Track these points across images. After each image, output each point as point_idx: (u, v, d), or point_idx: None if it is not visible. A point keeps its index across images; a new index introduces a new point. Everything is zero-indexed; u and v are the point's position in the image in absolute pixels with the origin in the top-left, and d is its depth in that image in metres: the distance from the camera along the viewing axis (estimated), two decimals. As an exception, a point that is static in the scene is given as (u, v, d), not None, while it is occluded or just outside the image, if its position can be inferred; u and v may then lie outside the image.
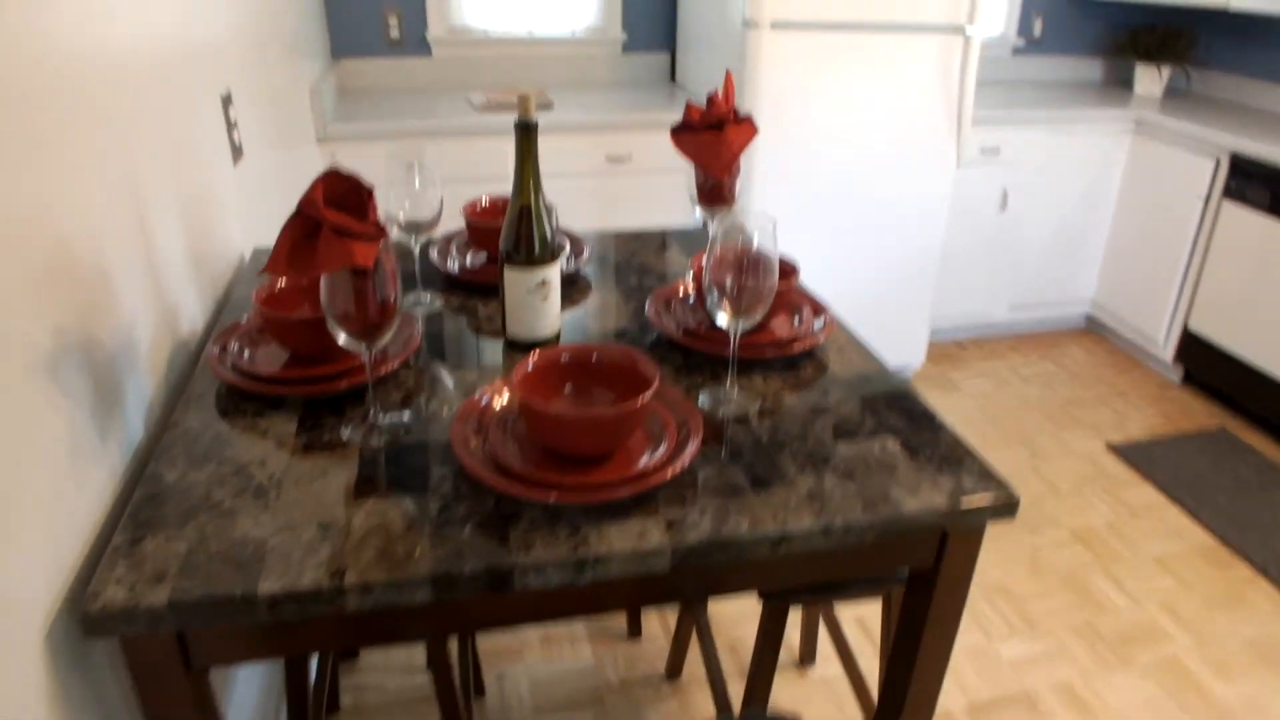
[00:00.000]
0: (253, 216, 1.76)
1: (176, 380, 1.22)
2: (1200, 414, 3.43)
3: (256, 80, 1.94)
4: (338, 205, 0.86)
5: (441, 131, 2.86)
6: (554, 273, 1.19)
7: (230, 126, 1.61)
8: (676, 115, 3.04)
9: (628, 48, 3.57)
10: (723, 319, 1.06)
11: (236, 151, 1.65)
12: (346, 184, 0.87)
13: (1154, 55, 4.00)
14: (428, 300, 1.40)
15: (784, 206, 3.05)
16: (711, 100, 1.39)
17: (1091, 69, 4.31)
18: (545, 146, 2.96)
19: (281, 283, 1.21)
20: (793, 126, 2.94)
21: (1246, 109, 3.88)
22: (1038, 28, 4.13)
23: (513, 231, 1.16)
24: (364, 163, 2.82)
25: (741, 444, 1.02)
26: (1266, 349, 3.22)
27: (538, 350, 1.02)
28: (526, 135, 1.14)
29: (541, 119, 2.93)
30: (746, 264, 1.02)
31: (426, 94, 3.28)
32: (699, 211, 1.46)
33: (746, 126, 1.40)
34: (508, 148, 2.93)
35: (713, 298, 1.05)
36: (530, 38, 3.44)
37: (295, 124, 2.44)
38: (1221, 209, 3.33)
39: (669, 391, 1.05)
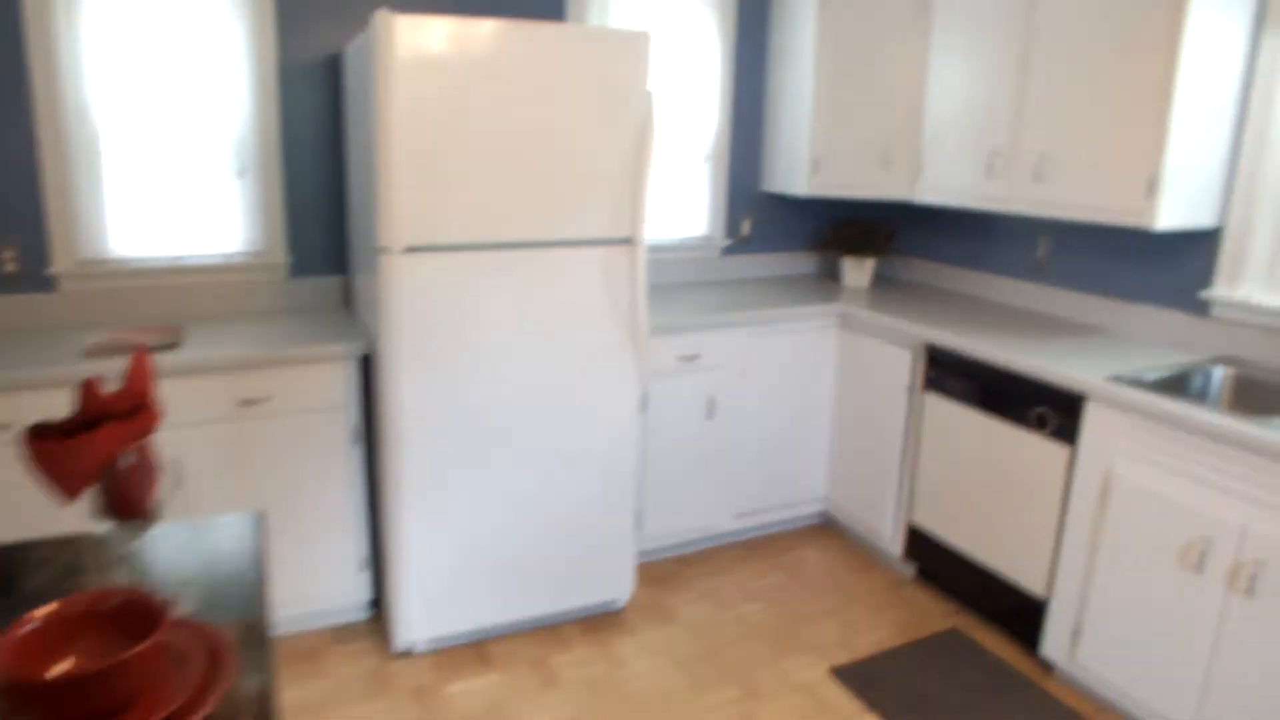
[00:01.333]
0: None
1: None
2: (933, 614, 3.26)
3: None
4: None
5: (32, 383, 2.43)
6: None
7: None
8: (337, 345, 2.74)
9: (295, 271, 3.27)
10: None
11: None
12: None
13: (857, 248, 4.06)
14: None
15: (446, 442, 2.73)
16: (88, 389, 1.06)
17: (804, 263, 4.35)
18: (167, 393, 2.57)
19: None
20: (450, 353, 2.68)
21: (945, 293, 3.95)
22: (746, 227, 4.14)
23: None
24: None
25: None
26: (983, 543, 3.11)
27: None
28: None
29: (164, 360, 2.55)
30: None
31: (49, 336, 2.85)
32: (103, 526, 1.11)
33: (136, 423, 1.07)
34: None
35: None
36: (177, 266, 3.08)
37: None
38: (926, 401, 3.28)
39: None
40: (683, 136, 3.90)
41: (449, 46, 2.48)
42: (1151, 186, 2.77)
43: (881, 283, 4.21)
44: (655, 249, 3.91)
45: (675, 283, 3.98)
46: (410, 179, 2.51)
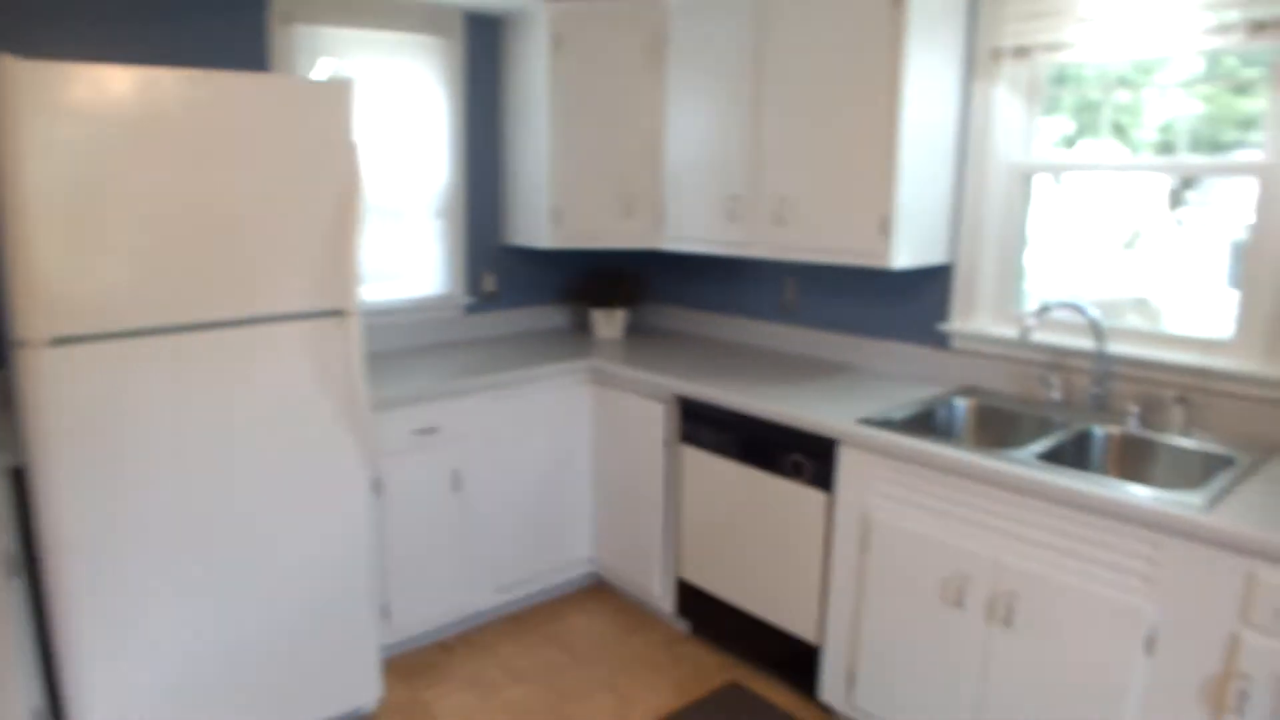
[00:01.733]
0: None
1: None
2: (710, 670, 3.11)
3: None
4: None
5: None
6: None
7: None
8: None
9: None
10: None
11: None
12: None
13: (607, 300, 3.92)
14: None
15: (129, 561, 2.28)
16: None
17: (555, 316, 4.16)
18: None
19: None
20: (124, 459, 2.24)
21: (699, 339, 3.89)
22: (489, 283, 3.90)
23: None
24: None
25: None
26: (752, 594, 3.01)
27: None
28: None
29: None
30: None
31: None
32: None
33: None
34: None
35: None
36: None
37: None
38: (683, 453, 3.15)
39: None
40: (412, 191, 3.62)
41: (102, 99, 2.10)
42: (885, 227, 2.78)
43: (635, 332, 4.09)
44: (389, 312, 3.60)
45: (415, 347, 3.68)
46: (54, 255, 2.08)
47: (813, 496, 2.73)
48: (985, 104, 2.88)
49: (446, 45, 3.62)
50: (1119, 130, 2.73)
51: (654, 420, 3.24)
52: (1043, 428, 2.68)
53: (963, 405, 2.88)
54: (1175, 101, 2.59)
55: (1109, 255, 2.83)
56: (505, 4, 3.51)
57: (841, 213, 2.90)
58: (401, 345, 3.66)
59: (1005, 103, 2.86)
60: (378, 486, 2.94)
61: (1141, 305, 2.76)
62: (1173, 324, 2.70)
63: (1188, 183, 2.67)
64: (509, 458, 3.30)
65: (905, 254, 2.83)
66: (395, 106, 3.50)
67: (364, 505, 2.68)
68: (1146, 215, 2.74)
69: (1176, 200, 2.70)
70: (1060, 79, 2.82)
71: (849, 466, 2.61)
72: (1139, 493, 2.04)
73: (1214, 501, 1.99)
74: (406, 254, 3.67)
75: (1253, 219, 2.43)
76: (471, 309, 3.87)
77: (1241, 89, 2.48)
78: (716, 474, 3.03)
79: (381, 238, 3.56)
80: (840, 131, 2.87)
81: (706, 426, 3.05)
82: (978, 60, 2.87)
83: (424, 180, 3.65)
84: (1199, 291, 2.66)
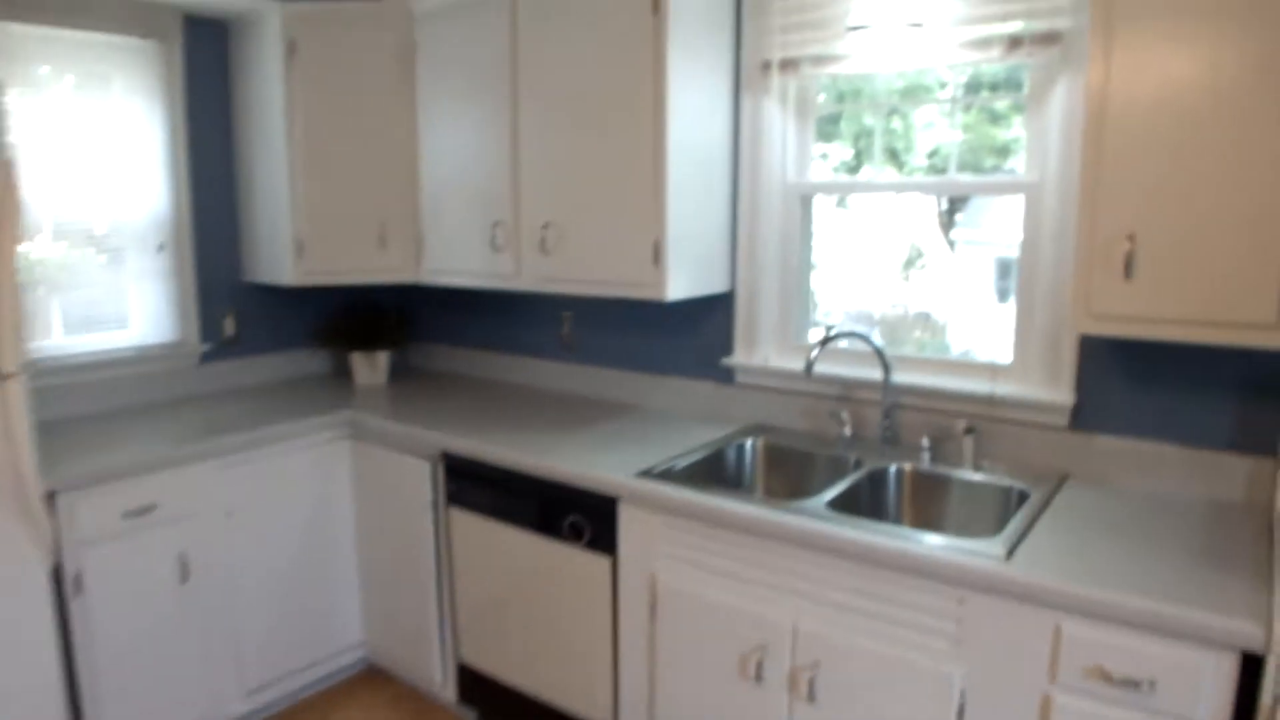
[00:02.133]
0: None
1: None
2: (499, 763, 2.74)
3: None
4: None
5: None
6: None
7: None
8: None
9: None
10: None
11: None
12: None
13: (365, 342, 3.49)
14: None
15: None
16: None
17: (313, 361, 3.69)
18: None
19: None
20: None
21: (472, 381, 3.56)
22: (229, 326, 3.39)
23: None
24: None
25: None
26: (538, 676, 2.67)
27: None
28: None
29: None
30: None
31: None
32: None
33: None
34: None
35: None
36: None
37: None
38: (452, 517, 2.78)
39: None
40: (125, 223, 3.08)
41: None
42: (657, 255, 2.53)
43: (401, 377, 3.68)
44: (104, 365, 3.04)
45: (139, 405, 3.12)
46: None
47: (595, 562, 2.43)
48: (755, 119, 2.69)
49: (161, 50, 3.12)
50: (893, 156, 2.62)
51: (420, 480, 2.86)
52: (836, 469, 2.49)
53: (751, 445, 2.66)
54: (941, 130, 2.51)
55: (891, 277, 2.70)
56: (227, 2, 3.04)
57: (611, 240, 2.63)
58: (122, 404, 3.09)
59: (776, 119, 2.68)
60: (76, 584, 2.40)
61: (924, 320, 2.66)
62: (957, 346, 2.59)
63: (956, 205, 2.59)
64: (252, 534, 2.82)
65: (681, 284, 2.59)
66: (95, 121, 2.96)
67: (47, 611, 2.17)
68: (922, 236, 2.64)
69: (948, 222, 2.62)
70: (839, 98, 2.68)
71: (630, 526, 2.33)
72: (936, 543, 1.85)
73: (1013, 547, 1.82)
74: (125, 296, 3.11)
75: (1021, 236, 2.34)
76: (209, 357, 3.35)
77: (996, 119, 2.43)
78: (490, 540, 2.68)
79: (92, 278, 3.01)
80: (605, 150, 2.60)
81: (476, 486, 2.69)
82: (746, 73, 2.68)
83: (139, 210, 3.11)
84: (975, 310, 2.58)
